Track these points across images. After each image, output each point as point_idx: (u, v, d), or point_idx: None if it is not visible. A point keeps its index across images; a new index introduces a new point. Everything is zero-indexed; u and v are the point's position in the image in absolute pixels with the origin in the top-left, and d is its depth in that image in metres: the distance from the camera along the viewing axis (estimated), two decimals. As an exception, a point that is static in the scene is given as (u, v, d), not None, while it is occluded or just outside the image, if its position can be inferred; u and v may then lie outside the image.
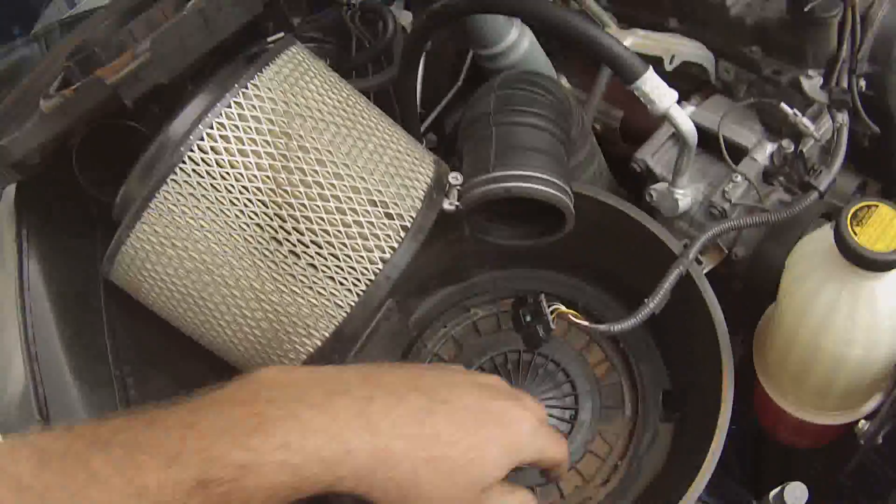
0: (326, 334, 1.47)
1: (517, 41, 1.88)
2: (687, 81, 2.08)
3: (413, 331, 1.94)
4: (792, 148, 1.86)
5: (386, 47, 2.13)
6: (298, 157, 1.41)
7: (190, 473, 0.95)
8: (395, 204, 1.48)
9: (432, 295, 2.01)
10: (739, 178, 1.85)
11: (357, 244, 1.44)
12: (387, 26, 2.15)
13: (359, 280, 1.45)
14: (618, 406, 1.85)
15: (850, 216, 1.35)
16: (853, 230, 1.34)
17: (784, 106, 1.84)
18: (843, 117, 1.81)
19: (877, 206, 1.37)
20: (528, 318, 1.56)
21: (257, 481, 0.97)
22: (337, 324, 1.47)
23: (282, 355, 1.50)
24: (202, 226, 1.39)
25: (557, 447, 1.25)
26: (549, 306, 1.55)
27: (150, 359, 1.72)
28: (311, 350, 1.48)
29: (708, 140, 1.91)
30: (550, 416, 1.79)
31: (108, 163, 1.49)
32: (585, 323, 1.57)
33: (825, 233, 1.42)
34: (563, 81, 2.20)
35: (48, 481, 0.94)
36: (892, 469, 1.63)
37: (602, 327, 1.57)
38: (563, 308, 1.56)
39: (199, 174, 1.37)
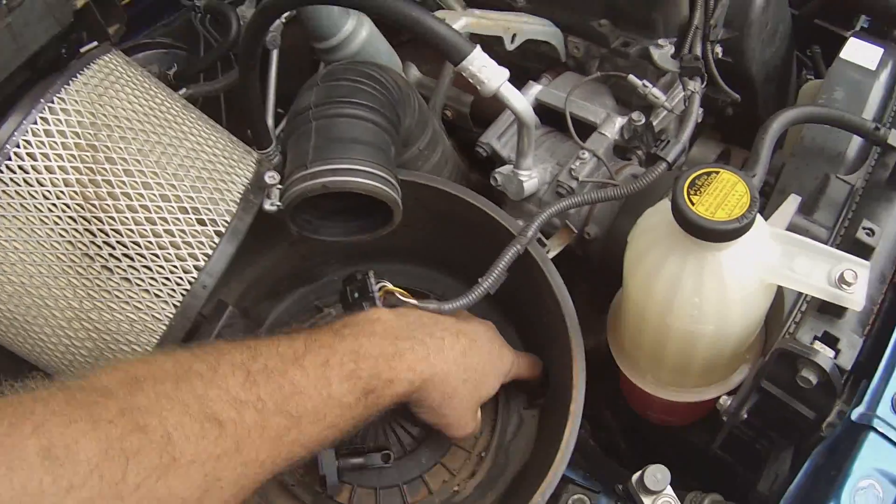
0: (149, 348, 1.38)
1: (353, 32, 1.77)
2: (538, 61, 1.99)
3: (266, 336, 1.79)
4: (642, 120, 1.75)
5: (230, 48, 2.01)
6: (105, 170, 1.32)
7: (360, 385, 1.31)
8: (209, 209, 1.38)
9: (284, 298, 1.88)
10: (587, 154, 1.74)
11: (170, 254, 1.34)
12: (230, 27, 2.01)
13: (174, 291, 1.35)
14: (481, 396, 1.72)
15: (687, 185, 1.24)
16: (689, 199, 1.22)
17: (632, 77, 1.75)
18: (694, 85, 1.73)
19: (717, 172, 1.25)
20: (356, 296, 1.48)
21: (393, 390, 1.35)
22: (158, 338, 1.37)
23: None
24: (16, 248, 1.30)
25: (529, 369, 1.66)
26: (376, 283, 1.47)
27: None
28: None
29: (559, 118, 1.81)
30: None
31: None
32: (413, 301, 1.49)
33: (666, 204, 1.29)
34: (413, 70, 2.09)
35: (259, 393, 1.19)
36: (766, 439, 1.54)
37: (431, 305, 1.49)
38: (390, 286, 1.48)
39: (8, 195, 1.28)
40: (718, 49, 1.79)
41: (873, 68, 1.75)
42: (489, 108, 1.94)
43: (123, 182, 1.32)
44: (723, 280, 1.28)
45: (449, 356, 1.43)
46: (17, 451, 0.96)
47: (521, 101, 1.53)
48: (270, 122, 1.86)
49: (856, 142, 1.68)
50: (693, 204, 1.21)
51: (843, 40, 1.81)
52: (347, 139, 1.44)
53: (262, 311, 1.84)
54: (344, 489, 1.62)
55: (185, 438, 1.08)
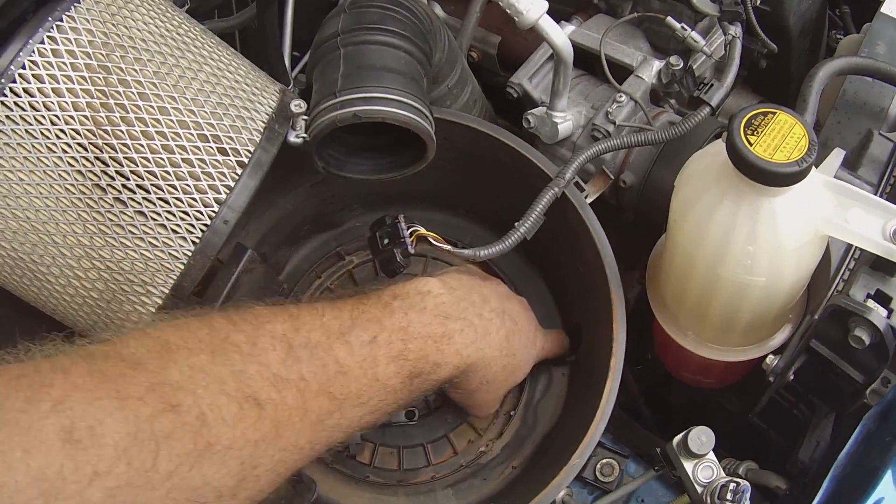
0: (165, 290, 1.27)
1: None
2: (567, 2, 1.91)
3: (284, 283, 1.70)
4: (681, 65, 1.67)
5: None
6: (119, 93, 1.20)
7: (408, 368, 1.22)
8: (230, 138, 1.27)
9: (304, 244, 1.80)
10: (624, 97, 1.65)
11: (188, 185, 1.23)
12: (246, -39, 1.91)
13: (193, 226, 1.24)
14: (508, 351, 1.65)
15: (743, 123, 1.15)
16: (747, 139, 1.14)
17: (671, 20, 1.66)
18: (735, 30, 1.64)
19: (774, 112, 1.17)
20: (386, 241, 1.38)
21: (439, 373, 1.28)
22: (175, 277, 1.26)
23: (124, 318, 1.29)
24: (21, 178, 1.19)
25: (556, 349, 1.59)
26: (408, 228, 1.37)
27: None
28: (153, 309, 1.28)
29: (590, 61, 1.74)
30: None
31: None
32: (448, 247, 1.38)
33: (718, 146, 1.23)
34: (437, 10, 2.01)
35: (301, 372, 1.10)
36: (805, 405, 1.49)
37: (467, 252, 1.37)
38: (422, 230, 1.38)
39: (12, 121, 1.16)
40: (757, -5, 1.70)
41: (915, 24, 1.67)
42: (517, 50, 1.88)
43: (138, 107, 1.21)
44: (777, 228, 1.21)
45: (494, 340, 1.36)
46: (35, 432, 0.87)
47: (559, 34, 1.47)
48: (287, 62, 1.75)
49: (899, 97, 1.62)
50: (751, 144, 1.13)
51: (873, 1, 1.73)
52: (379, 67, 1.33)
53: (282, 258, 1.78)
54: (366, 448, 1.60)
55: (222, 421, 0.99)
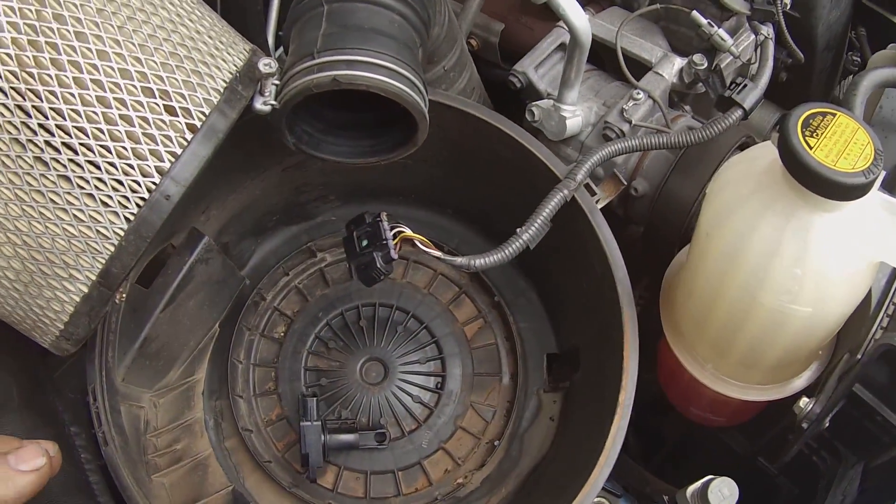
0: (91, 275, 1.00)
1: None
2: None
3: (247, 279, 1.54)
4: (705, 64, 1.46)
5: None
6: (51, 30, 0.94)
7: None
8: (182, 95, 1.00)
9: (271, 236, 1.60)
10: (642, 95, 1.44)
11: (125, 148, 0.96)
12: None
13: (127, 199, 0.97)
14: (494, 373, 1.51)
15: (800, 123, 0.96)
16: (806, 142, 0.95)
17: (696, 14, 1.45)
18: (767, 30, 1.47)
19: (835, 114, 0.98)
20: (365, 243, 1.17)
21: None
22: (103, 261, 0.99)
23: (44, 306, 1.04)
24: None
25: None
26: (391, 228, 1.16)
27: None
28: (77, 298, 1.02)
29: (601, 56, 1.55)
30: (412, 383, 1.47)
31: None
32: (438, 253, 1.16)
33: (762, 150, 1.06)
34: (439, -7, 1.75)
35: None
36: (830, 454, 1.32)
37: (460, 260, 1.15)
38: (408, 231, 1.17)
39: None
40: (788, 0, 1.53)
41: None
42: (521, 40, 1.66)
43: (73, 48, 0.95)
44: (830, 251, 1.01)
45: None
46: None
47: (579, 13, 1.24)
48: (271, 39, 1.51)
49: (943, 120, 1.46)
50: (811, 148, 0.94)
51: (891, 25, 1.64)
52: (367, 28, 1.09)
53: (245, 250, 1.58)
54: (329, 471, 1.41)
55: None
